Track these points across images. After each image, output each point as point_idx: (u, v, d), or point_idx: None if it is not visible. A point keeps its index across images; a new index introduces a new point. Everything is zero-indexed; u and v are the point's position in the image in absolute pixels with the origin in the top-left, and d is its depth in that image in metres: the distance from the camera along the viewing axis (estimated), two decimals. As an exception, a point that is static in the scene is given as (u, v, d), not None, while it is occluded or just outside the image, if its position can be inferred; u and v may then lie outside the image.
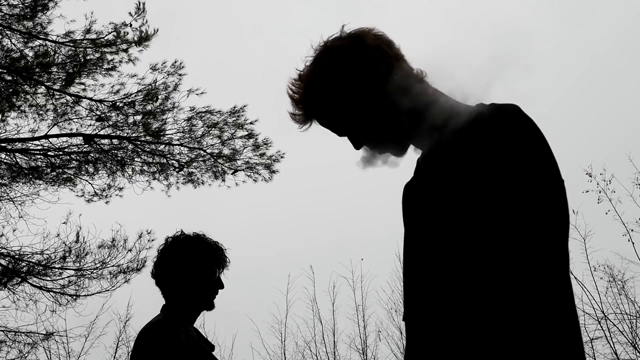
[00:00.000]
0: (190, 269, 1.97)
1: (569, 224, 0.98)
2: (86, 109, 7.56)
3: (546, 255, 0.91)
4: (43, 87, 7.31)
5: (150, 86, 7.56)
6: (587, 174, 9.19)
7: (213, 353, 2.00)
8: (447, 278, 0.96)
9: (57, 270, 7.81)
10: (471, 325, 0.91)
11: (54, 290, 7.87)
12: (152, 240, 8.13)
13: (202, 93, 7.78)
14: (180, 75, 7.66)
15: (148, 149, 7.96)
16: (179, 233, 2.07)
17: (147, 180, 8.19)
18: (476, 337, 0.90)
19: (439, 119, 1.13)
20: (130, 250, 8.11)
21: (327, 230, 15.87)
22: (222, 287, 2.03)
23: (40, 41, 7.06)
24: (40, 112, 7.54)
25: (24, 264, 7.72)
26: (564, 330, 0.89)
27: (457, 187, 0.99)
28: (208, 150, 8.10)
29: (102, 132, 7.68)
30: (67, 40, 7.12)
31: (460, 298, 0.93)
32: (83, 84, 7.37)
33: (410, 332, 1.03)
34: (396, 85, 1.13)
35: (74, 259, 7.87)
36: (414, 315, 1.03)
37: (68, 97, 7.45)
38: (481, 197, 0.95)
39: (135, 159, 8.06)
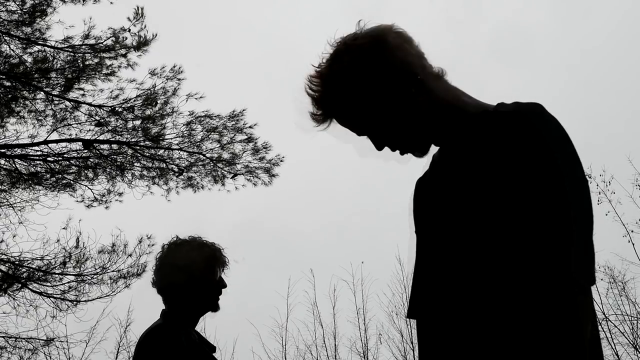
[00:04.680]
0: (192, 271, 1.96)
1: (593, 222, 0.96)
2: (85, 114, 7.56)
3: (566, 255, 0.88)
4: (42, 92, 7.31)
5: (149, 91, 7.56)
6: (587, 175, 9.19)
7: (214, 355, 1.99)
8: (459, 276, 0.95)
9: (57, 275, 7.79)
10: (479, 324, 0.90)
11: (54, 296, 7.84)
12: (152, 245, 8.11)
13: (201, 97, 7.80)
14: (179, 79, 7.68)
15: (147, 154, 7.96)
16: (175, 238, 2.06)
17: (147, 185, 8.19)
18: (484, 337, 0.89)
19: (459, 118, 1.10)
20: (130, 255, 8.09)
21: (327, 232, 15.86)
22: (224, 286, 2.02)
23: (39, 47, 7.07)
24: (40, 117, 7.54)
25: (24, 269, 7.71)
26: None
27: (475, 186, 0.97)
28: (207, 155, 8.09)
29: (101, 137, 7.68)
30: (66, 45, 7.13)
31: (470, 296, 0.92)
32: (82, 89, 7.38)
33: (424, 329, 1.02)
34: (419, 85, 1.10)
35: (74, 265, 7.85)
36: (429, 312, 1.01)
37: (67, 103, 7.45)
38: (500, 197, 0.93)
39: (135, 164, 8.06)
